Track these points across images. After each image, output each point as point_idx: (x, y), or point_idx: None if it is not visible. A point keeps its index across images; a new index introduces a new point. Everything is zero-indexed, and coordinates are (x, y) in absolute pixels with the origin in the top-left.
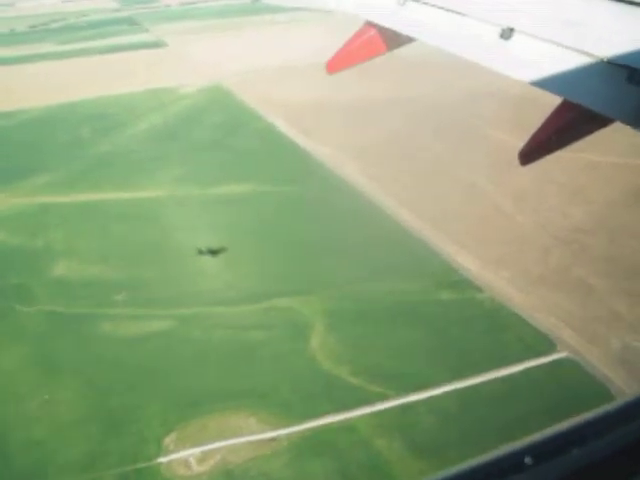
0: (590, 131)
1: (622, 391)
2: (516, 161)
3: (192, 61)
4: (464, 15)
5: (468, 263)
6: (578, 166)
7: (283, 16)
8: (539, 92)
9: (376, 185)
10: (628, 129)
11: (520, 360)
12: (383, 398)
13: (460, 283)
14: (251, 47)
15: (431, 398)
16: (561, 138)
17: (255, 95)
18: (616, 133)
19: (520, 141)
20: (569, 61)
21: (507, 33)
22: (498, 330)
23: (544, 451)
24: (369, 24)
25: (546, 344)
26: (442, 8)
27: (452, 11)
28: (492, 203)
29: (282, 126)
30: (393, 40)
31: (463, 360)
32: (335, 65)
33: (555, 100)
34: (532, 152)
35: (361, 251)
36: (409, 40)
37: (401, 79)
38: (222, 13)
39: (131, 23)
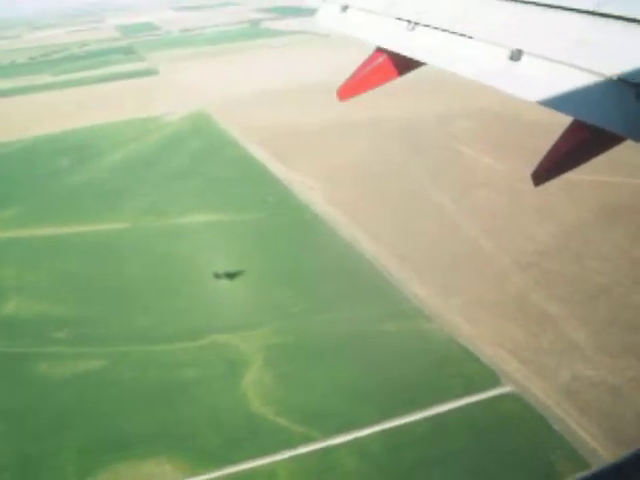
0: (602, 150)
1: (563, 423)
2: (490, 181)
3: (181, 88)
4: (473, 38)
5: (422, 290)
6: (553, 184)
7: (279, 40)
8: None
9: (339, 211)
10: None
11: (459, 396)
12: (307, 440)
13: (410, 312)
14: (242, 72)
15: (357, 440)
16: (573, 158)
17: (236, 121)
18: None
19: (496, 161)
20: (578, 80)
21: (516, 55)
22: (441, 364)
23: None
24: (379, 49)
25: (490, 378)
26: (451, 32)
27: (461, 34)
28: (458, 226)
29: (257, 152)
30: (404, 65)
31: (399, 397)
32: (346, 92)
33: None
34: (545, 172)
35: (315, 281)
36: (419, 64)
37: (392, 100)
38: (220, 39)
39: (128, 52)
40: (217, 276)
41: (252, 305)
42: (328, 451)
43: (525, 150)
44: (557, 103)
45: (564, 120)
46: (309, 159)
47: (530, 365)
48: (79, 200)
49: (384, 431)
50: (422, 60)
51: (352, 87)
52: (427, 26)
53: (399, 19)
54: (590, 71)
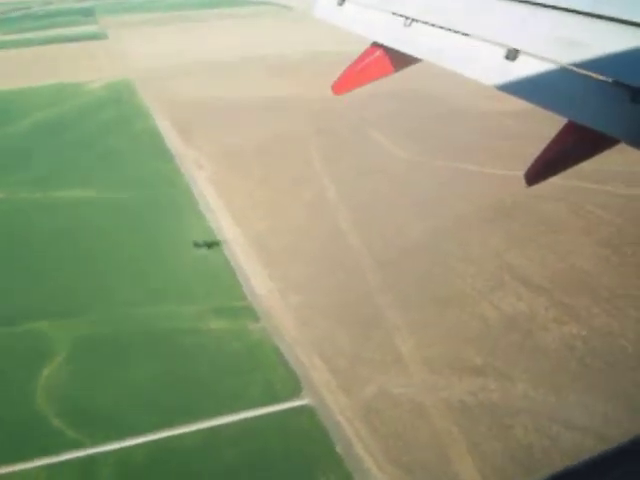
0: (595, 152)
1: (348, 444)
2: (386, 169)
3: (121, 55)
4: (470, 36)
5: (265, 286)
6: (448, 176)
7: (243, 10)
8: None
9: (217, 193)
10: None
11: (250, 407)
12: (74, 446)
13: (242, 310)
14: (193, 41)
15: (122, 449)
16: (566, 159)
17: (158, 92)
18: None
19: (402, 148)
20: (573, 81)
21: (512, 54)
22: (249, 370)
23: None
24: (375, 45)
25: (292, 388)
26: (448, 29)
27: (458, 32)
28: (333, 217)
29: (164, 126)
30: (399, 60)
31: (189, 405)
32: (341, 87)
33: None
34: (538, 173)
35: (160, 268)
36: (415, 61)
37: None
38: (186, 5)
39: (86, 14)
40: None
41: (83, 291)
42: (87, 460)
43: (437, 138)
44: (552, 103)
45: (496, 107)
46: (213, 136)
47: (340, 376)
48: None
49: (156, 441)
50: (418, 56)
51: (347, 82)
52: (424, 23)
53: (396, 15)
54: (586, 72)
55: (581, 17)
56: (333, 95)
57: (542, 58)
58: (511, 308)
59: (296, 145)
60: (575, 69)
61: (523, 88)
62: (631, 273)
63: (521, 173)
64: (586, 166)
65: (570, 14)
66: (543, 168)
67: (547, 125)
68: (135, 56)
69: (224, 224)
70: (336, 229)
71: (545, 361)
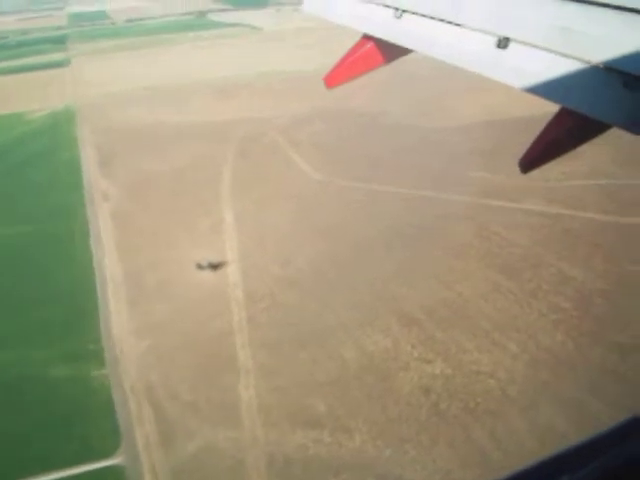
0: (588, 138)
1: None
2: (298, 194)
3: (75, 82)
4: (461, 26)
5: (120, 327)
6: (359, 198)
7: (216, 32)
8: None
9: (113, 225)
10: None
11: (58, 469)
12: None
13: (90, 354)
14: (154, 65)
15: None
16: (560, 145)
17: (98, 120)
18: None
19: (321, 172)
20: (566, 68)
21: (503, 42)
22: (73, 423)
23: None
24: (366, 37)
25: (110, 445)
26: (439, 19)
27: (449, 22)
28: (219, 248)
29: (89, 156)
30: (391, 52)
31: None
32: (333, 79)
33: None
34: (532, 160)
35: (23, 309)
36: (406, 52)
37: (269, 99)
38: (159, 29)
39: (57, 42)
40: None
41: None
42: None
43: (362, 159)
44: (544, 90)
45: (438, 124)
46: (133, 164)
47: (166, 429)
48: None
49: None
50: (409, 47)
51: (339, 74)
52: (414, 13)
53: (386, 7)
54: (577, 59)
55: (572, 3)
56: (269, 115)
57: (534, 45)
58: (375, 346)
59: (213, 170)
60: (567, 56)
61: (515, 76)
62: (522, 301)
63: (434, 193)
64: (507, 182)
65: (560, 0)
66: (537, 155)
67: (487, 141)
68: (88, 83)
69: (107, 260)
70: (222, 256)
71: (394, 408)
